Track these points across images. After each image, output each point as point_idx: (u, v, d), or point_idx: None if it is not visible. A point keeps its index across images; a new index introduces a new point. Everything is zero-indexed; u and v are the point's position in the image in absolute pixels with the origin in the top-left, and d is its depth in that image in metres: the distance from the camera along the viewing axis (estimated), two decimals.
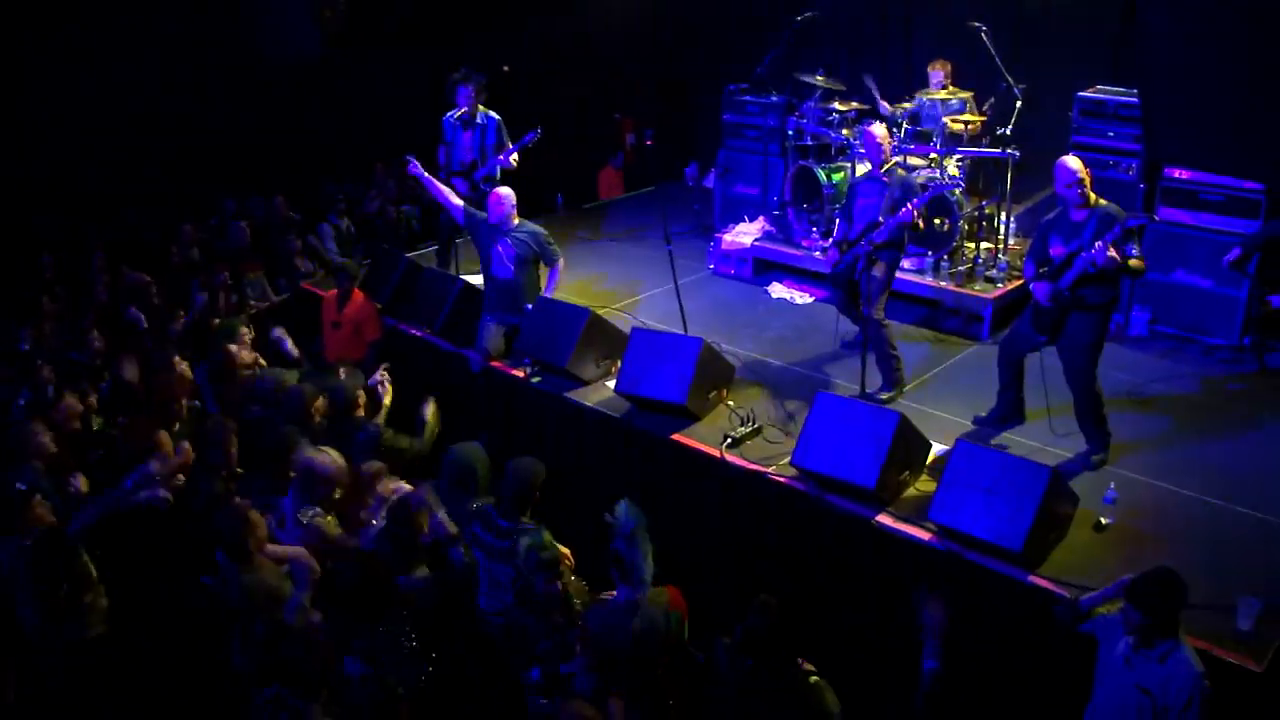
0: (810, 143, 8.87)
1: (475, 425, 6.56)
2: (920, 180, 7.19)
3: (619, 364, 6.51)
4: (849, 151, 8.61)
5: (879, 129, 6.57)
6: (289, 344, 7.34)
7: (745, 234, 9.04)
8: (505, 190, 7.10)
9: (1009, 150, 7.82)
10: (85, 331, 7.85)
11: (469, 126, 8.02)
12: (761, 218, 9.23)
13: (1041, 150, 7.43)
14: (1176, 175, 7.37)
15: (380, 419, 6.13)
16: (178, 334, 7.99)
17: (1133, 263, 5.27)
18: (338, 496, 5.09)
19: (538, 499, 4.89)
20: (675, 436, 6.07)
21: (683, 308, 7.24)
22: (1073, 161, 5.43)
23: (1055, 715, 4.40)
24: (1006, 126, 7.95)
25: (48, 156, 9.52)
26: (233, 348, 6.75)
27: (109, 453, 6.03)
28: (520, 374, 6.91)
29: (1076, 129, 7.93)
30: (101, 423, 6.45)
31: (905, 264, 7.55)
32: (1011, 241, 8.27)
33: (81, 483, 5.41)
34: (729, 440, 5.88)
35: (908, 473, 5.37)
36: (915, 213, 6.16)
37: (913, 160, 8.24)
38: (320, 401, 5.89)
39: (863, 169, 7.95)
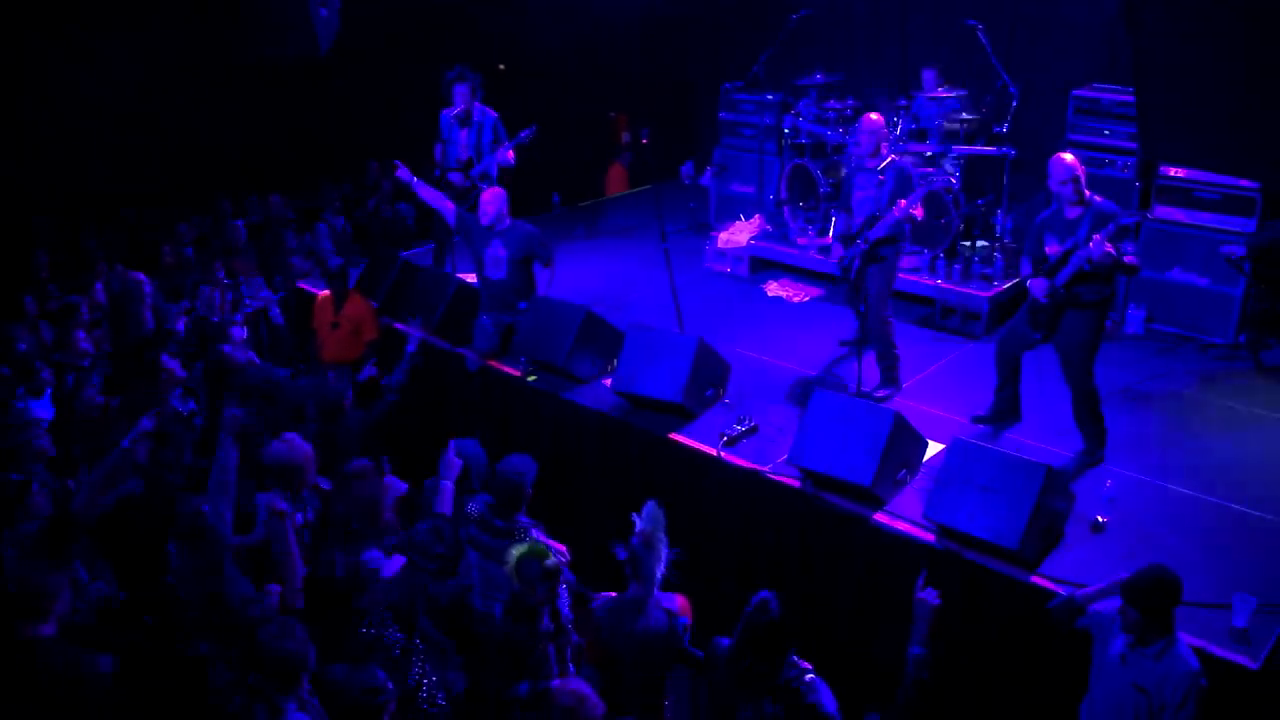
0: (806, 141, 8.86)
1: (471, 424, 6.55)
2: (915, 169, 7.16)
3: (615, 362, 6.51)
4: (845, 149, 8.61)
5: (876, 116, 6.55)
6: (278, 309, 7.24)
7: (741, 232, 9.05)
8: (496, 191, 7.10)
9: (1005, 148, 7.82)
10: (82, 330, 7.83)
11: (466, 124, 8.02)
12: (758, 216, 9.23)
13: (1037, 148, 7.43)
14: (1172, 173, 7.38)
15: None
16: (175, 333, 7.97)
17: (1127, 260, 5.28)
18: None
19: (529, 496, 4.85)
20: (672, 435, 6.07)
21: (678, 306, 7.24)
22: (1067, 159, 5.45)
23: (1052, 712, 4.42)
24: (1002, 125, 7.95)
25: (47, 156, 9.51)
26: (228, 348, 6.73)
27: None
28: (516, 373, 6.91)
29: (1072, 127, 7.94)
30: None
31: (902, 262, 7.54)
32: (1008, 239, 8.28)
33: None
34: (726, 439, 5.88)
35: (904, 471, 5.37)
36: (912, 207, 6.15)
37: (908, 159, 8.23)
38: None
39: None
